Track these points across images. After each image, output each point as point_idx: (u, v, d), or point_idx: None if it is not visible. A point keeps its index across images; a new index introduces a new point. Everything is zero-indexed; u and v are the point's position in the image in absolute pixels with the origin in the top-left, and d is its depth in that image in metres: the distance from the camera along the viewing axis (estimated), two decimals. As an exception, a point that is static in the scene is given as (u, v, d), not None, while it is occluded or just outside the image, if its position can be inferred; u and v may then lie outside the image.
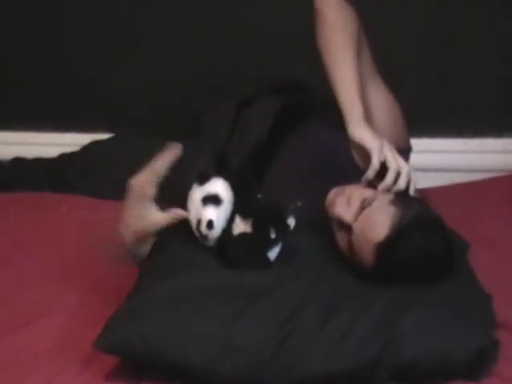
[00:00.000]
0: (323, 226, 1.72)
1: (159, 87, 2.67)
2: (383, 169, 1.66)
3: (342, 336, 1.42)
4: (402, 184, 1.65)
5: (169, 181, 2.04)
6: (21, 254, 1.97)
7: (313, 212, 1.72)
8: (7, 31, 2.79)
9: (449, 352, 1.39)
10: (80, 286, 1.79)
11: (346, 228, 1.63)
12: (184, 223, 1.64)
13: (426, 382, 1.40)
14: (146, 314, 1.47)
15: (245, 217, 1.62)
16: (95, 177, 2.28)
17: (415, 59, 2.52)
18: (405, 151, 1.86)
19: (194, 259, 1.62)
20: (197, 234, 1.62)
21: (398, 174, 1.66)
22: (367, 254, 1.57)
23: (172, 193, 1.88)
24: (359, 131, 1.72)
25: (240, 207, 1.63)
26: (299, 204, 1.80)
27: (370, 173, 1.67)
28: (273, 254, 1.62)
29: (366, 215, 1.60)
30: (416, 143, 1.98)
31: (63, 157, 2.42)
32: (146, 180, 1.66)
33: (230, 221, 1.63)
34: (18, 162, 2.48)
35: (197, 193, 1.63)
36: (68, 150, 2.45)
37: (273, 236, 1.60)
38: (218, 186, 1.64)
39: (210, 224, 1.59)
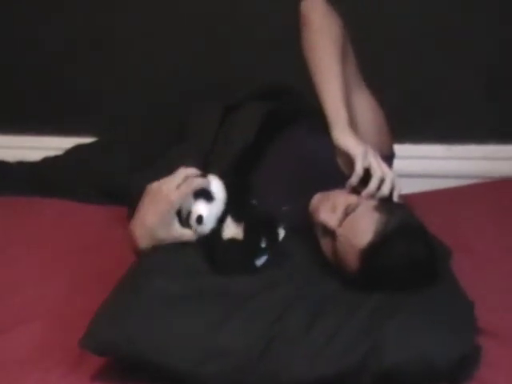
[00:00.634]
0: (309, 230, 1.72)
1: (159, 87, 2.67)
2: (367, 175, 1.67)
3: (326, 341, 1.43)
4: (385, 190, 1.65)
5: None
6: (3, 257, 1.96)
7: (299, 217, 1.74)
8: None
9: (432, 358, 1.40)
10: (64, 289, 1.79)
11: (331, 234, 1.63)
12: None
13: (409, 387, 1.41)
14: (133, 315, 1.47)
15: (237, 220, 1.62)
16: (79, 181, 2.27)
17: (399, 66, 2.53)
18: (388, 157, 1.88)
19: (183, 260, 1.62)
20: (184, 225, 1.62)
21: (382, 181, 1.66)
22: (351, 259, 1.58)
23: None
24: (343, 137, 1.72)
25: (233, 209, 1.63)
26: (285, 209, 1.81)
27: (354, 179, 1.67)
28: (260, 261, 1.63)
29: (350, 221, 1.60)
30: (399, 149, 1.99)
31: (47, 160, 2.41)
32: (176, 190, 1.64)
33: (221, 221, 1.63)
34: (1, 165, 2.45)
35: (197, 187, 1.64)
36: (51, 153, 2.43)
37: (263, 245, 1.61)
38: (213, 184, 1.65)
39: (199, 219, 1.60)
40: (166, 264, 1.60)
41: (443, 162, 2.59)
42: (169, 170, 1.83)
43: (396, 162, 1.95)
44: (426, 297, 1.55)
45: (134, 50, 2.71)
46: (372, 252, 1.55)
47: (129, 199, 1.95)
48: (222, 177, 1.70)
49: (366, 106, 1.91)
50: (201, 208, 1.61)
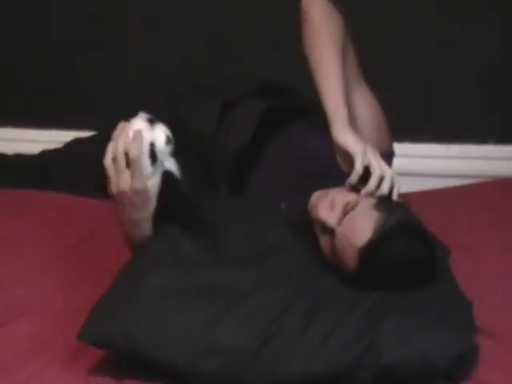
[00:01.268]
0: (307, 228, 1.72)
1: (159, 87, 2.68)
2: (366, 173, 1.66)
3: (323, 339, 1.43)
4: (385, 189, 1.64)
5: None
6: (0, 250, 1.96)
7: (297, 214, 1.74)
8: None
9: (430, 356, 1.40)
10: (61, 284, 1.79)
11: (329, 231, 1.63)
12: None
13: (406, 386, 1.41)
14: (130, 309, 1.47)
15: None
16: (77, 174, 2.26)
17: (399, 65, 2.53)
18: (388, 156, 1.87)
19: (181, 254, 1.62)
20: (142, 163, 1.57)
21: (382, 179, 1.65)
22: (350, 257, 1.57)
23: None
24: (343, 135, 1.71)
25: None
26: (283, 206, 1.81)
27: (353, 177, 1.66)
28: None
29: (349, 219, 1.60)
30: (398, 148, 1.99)
31: (45, 153, 2.41)
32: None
33: None
34: (0, 157, 2.46)
35: (138, 122, 1.60)
36: (50, 146, 2.44)
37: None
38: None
39: (169, 139, 1.59)
40: (164, 258, 1.60)
41: (442, 161, 2.60)
42: None
43: (395, 161, 1.95)
44: (424, 295, 1.54)
45: (134, 49, 2.73)
46: (371, 250, 1.54)
47: None
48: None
49: (365, 103, 1.91)
50: (164, 129, 1.59)
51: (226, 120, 2.09)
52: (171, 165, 1.63)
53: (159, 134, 1.59)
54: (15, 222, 2.11)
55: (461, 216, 2.10)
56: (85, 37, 2.76)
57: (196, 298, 1.51)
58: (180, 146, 2.04)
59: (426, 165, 2.59)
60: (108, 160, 1.62)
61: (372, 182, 1.64)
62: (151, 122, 1.59)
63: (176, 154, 1.64)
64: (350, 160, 1.69)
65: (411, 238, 1.57)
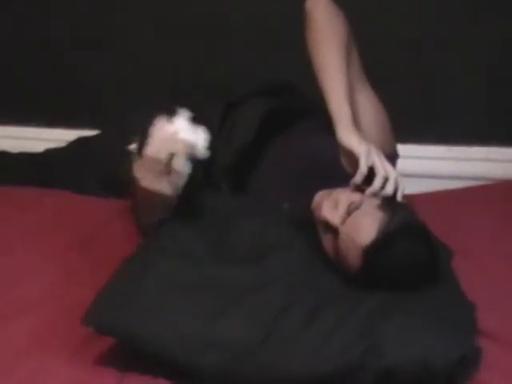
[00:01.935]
0: (310, 227, 1.71)
1: (159, 87, 2.67)
2: (371, 174, 1.66)
3: (324, 338, 1.43)
4: (389, 189, 1.64)
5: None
6: (3, 247, 1.96)
7: (300, 213, 1.73)
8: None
9: (431, 358, 1.40)
10: (63, 280, 1.79)
11: (333, 231, 1.63)
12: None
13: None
14: (134, 299, 1.50)
15: None
16: (79, 173, 2.27)
17: (401, 65, 2.52)
18: (392, 157, 1.86)
19: (186, 246, 1.65)
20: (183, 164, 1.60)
21: (386, 180, 1.65)
22: (353, 257, 1.57)
23: None
24: (347, 136, 1.71)
25: None
26: (286, 206, 1.81)
27: (358, 177, 1.66)
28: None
29: (353, 219, 1.60)
30: (400, 149, 1.98)
31: (49, 152, 2.41)
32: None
33: None
34: (2, 155, 2.47)
35: (179, 122, 1.62)
36: (53, 145, 2.44)
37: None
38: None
39: (208, 143, 1.64)
40: (171, 250, 1.62)
41: (444, 162, 2.59)
42: None
43: (398, 162, 1.94)
44: (426, 297, 1.55)
45: (134, 49, 2.72)
46: (375, 250, 1.54)
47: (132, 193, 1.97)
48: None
49: (369, 105, 1.91)
50: (204, 133, 1.63)
51: (228, 120, 2.08)
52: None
53: (200, 137, 1.62)
54: (16, 220, 2.11)
55: (463, 218, 2.10)
56: (85, 37, 2.76)
57: (198, 292, 1.52)
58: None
59: (427, 166, 2.58)
60: (149, 152, 1.62)
61: (376, 183, 1.64)
62: (192, 122, 1.62)
63: None
64: (354, 160, 1.69)
65: (415, 239, 1.57)
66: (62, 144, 2.42)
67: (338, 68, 1.81)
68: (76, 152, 2.36)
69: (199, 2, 2.62)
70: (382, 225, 1.55)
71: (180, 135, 1.59)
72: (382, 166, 1.66)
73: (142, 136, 1.62)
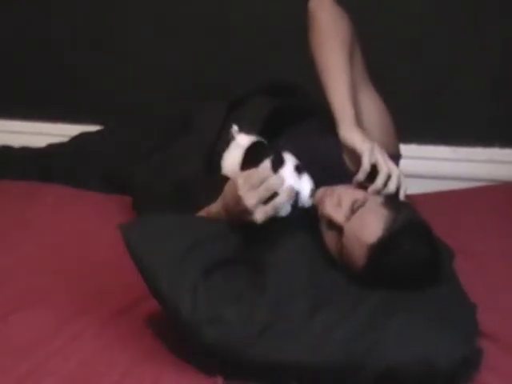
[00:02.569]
0: (310, 224, 1.70)
1: (159, 87, 2.68)
2: (374, 171, 1.65)
3: (325, 333, 1.44)
4: (392, 187, 1.64)
5: (152, 180, 2.04)
6: (2, 243, 1.97)
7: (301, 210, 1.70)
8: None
9: (432, 359, 1.40)
10: (61, 276, 1.79)
11: (336, 228, 1.62)
12: None
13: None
14: (164, 250, 1.55)
15: None
16: (82, 169, 2.28)
17: (404, 66, 2.52)
18: (395, 158, 1.86)
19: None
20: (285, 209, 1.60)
21: (389, 177, 1.65)
22: (358, 255, 1.56)
23: (162, 189, 1.93)
24: (350, 134, 1.71)
25: None
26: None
27: (361, 175, 1.66)
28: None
29: (358, 216, 1.59)
30: (404, 149, 1.99)
31: (51, 147, 2.43)
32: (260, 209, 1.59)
33: None
34: (5, 149, 2.48)
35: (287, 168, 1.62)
36: (56, 140, 2.45)
37: None
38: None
39: (312, 192, 1.63)
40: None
41: (448, 163, 2.59)
42: (169, 165, 1.89)
43: (400, 162, 1.92)
44: (429, 297, 1.55)
45: (134, 49, 2.72)
46: (380, 248, 1.53)
47: (132, 190, 2.05)
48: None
49: (372, 105, 1.90)
50: (309, 181, 1.63)
51: (231, 120, 2.06)
52: None
53: (305, 186, 1.63)
54: (17, 214, 2.12)
55: (465, 219, 2.10)
56: (85, 37, 2.77)
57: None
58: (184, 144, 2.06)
59: (431, 167, 2.58)
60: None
61: (379, 180, 1.64)
62: (298, 169, 1.62)
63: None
64: (357, 159, 1.69)
65: (419, 238, 1.57)
66: (64, 139, 2.44)
67: (342, 69, 1.81)
68: (76, 147, 2.37)
69: (199, 2, 2.63)
70: (387, 223, 1.55)
71: (287, 182, 1.59)
72: (384, 164, 1.65)
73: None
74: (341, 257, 1.61)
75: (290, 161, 1.63)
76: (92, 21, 2.73)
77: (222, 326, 1.44)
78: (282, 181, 1.58)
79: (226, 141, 1.71)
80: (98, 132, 2.47)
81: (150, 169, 2.06)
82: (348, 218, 1.60)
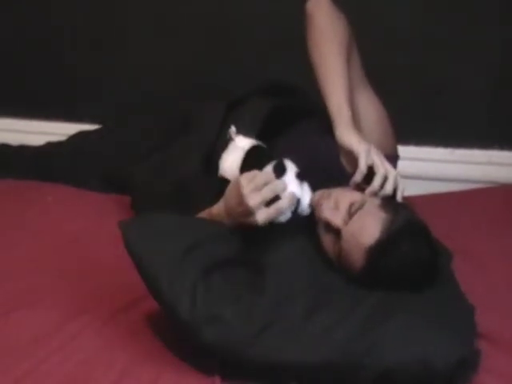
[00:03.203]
0: (308, 226, 1.70)
1: (159, 87, 2.68)
2: (370, 173, 1.65)
3: (326, 332, 1.44)
4: (388, 189, 1.64)
5: (151, 180, 2.04)
6: (1, 242, 1.97)
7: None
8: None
9: (430, 360, 1.40)
10: (61, 276, 1.79)
11: (334, 231, 1.62)
12: None
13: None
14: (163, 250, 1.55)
15: None
16: (79, 167, 2.29)
17: (403, 68, 2.52)
18: (392, 158, 1.86)
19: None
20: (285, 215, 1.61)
21: (385, 179, 1.65)
22: (357, 257, 1.56)
23: (162, 189, 1.92)
24: (347, 135, 1.71)
25: None
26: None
27: (358, 176, 1.66)
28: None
29: (356, 219, 1.59)
30: (402, 150, 1.98)
31: (50, 145, 2.43)
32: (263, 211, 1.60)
33: None
34: (4, 148, 2.48)
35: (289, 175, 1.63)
36: (55, 139, 2.45)
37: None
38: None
39: (312, 202, 1.65)
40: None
41: (446, 165, 2.58)
42: (168, 165, 1.88)
43: (399, 164, 1.93)
44: (427, 298, 1.55)
45: (134, 49, 2.73)
46: (378, 251, 1.53)
47: (132, 190, 2.06)
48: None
49: (370, 106, 1.91)
50: (309, 191, 1.64)
51: (230, 119, 2.07)
52: None
53: (306, 195, 1.64)
54: (17, 214, 2.12)
55: (463, 221, 2.09)
56: (85, 37, 2.77)
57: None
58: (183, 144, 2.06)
59: (429, 168, 2.58)
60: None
61: (376, 182, 1.64)
62: (299, 177, 1.63)
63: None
64: (353, 160, 1.69)
65: (417, 239, 1.57)
66: (63, 138, 2.44)
67: (339, 70, 1.81)
68: (75, 146, 2.37)
69: (199, 2, 2.63)
70: (386, 225, 1.55)
71: (289, 188, 1.60)
72: (381, 165, 1.66)
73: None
74: (339, 259, 1.61)
75: (291, 168, 1.64)
76: (92, 21, 2.73)
77: (221, 325, 1.44)
78: (285, 186, 1.59)
79: (224, 141, 1.71)
80: (96, 131, 2.47)
81: (150, 169, 2.06)
82: (346, 222, 1.60)
